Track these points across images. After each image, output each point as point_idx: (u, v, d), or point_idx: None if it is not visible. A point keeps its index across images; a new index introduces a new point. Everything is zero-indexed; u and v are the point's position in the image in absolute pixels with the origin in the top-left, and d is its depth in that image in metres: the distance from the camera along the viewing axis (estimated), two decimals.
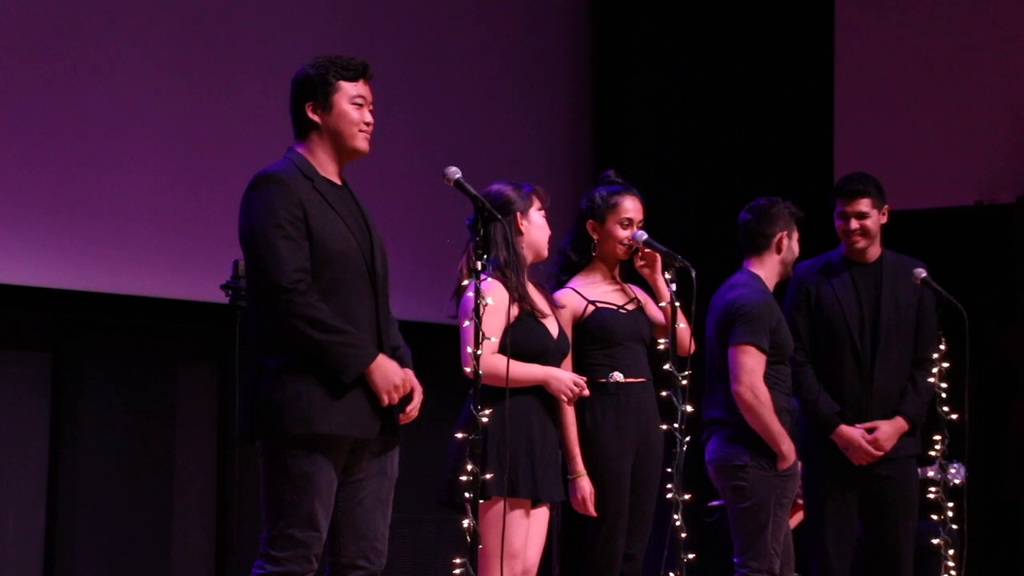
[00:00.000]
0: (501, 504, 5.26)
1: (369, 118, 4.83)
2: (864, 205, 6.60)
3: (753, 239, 6.47)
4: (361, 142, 4.83)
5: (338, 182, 4.85)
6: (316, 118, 4.80)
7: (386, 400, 4.65)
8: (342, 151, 4.83)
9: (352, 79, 4.82)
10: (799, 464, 6.40)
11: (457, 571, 4.77)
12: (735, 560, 6.24)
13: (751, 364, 6.23)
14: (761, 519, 6.20)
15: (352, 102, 4.81)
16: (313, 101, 4.81)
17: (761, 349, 6.24)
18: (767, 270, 6.45)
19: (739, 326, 6.24)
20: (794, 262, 6.53)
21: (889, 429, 6.54)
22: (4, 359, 7.27)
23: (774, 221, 6.45)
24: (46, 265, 7.13)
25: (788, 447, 6.22)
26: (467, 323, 5.11)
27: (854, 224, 6.60)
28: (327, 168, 4.83)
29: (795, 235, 6.50)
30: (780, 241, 6.45)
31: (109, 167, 7.33)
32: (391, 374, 4.67)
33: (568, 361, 5.72)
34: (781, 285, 6.57)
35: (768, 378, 6.27)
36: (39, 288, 7.13)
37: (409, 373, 4.76)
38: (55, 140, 7.17)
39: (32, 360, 7.38)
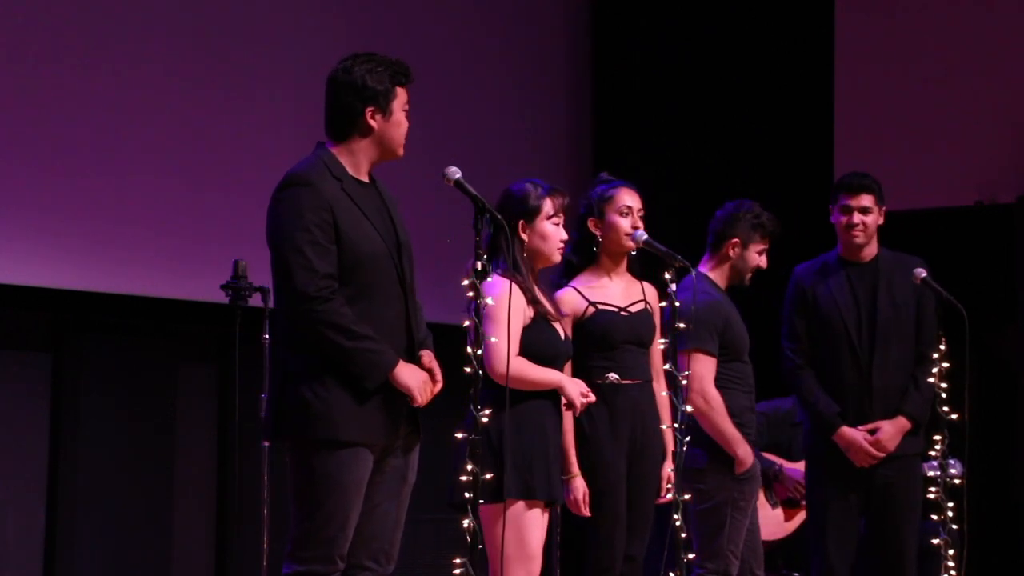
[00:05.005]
0: (519, 505, 5.33)
1: (407, 123, 4.86)
2: (867, 200, 6.61)
3: (712, 237, 6.50)
4: (402, 149, 4.85)
5: (367, 180, 4.85)
6: (374, 124, 4.78)
7: (419, 399, 4.70)
8: (385, 155, 4.84)
9: (406, 85, 4.83)
10: (758, 467, 6.38)
11: (457, 571, 4.77)
12: (693, 560, 6.21)
13: (699, 370, 6.22)
14: (717, 521, 6.20)
15: (404, 109, 4.83)
16: (374, 106, 4.77)
17: (708, 353, 6.23)
18: (717, 271, 6.46)
19: (684, 332, 6.20)
20: (751, 271, 6.49)
21: (891, 429, 6.54)
22: (4, 359, 7.27)
23: (731, 225, 6.46)
24: (46, 265, 7.13)
25: (744, 451, 6.22)
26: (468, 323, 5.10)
27: (856, 218, 6.60)
28: (360, 168, 4.82)
29: (756, 246, 6.47)
30: (730, 247, 6.44)
31: (109, 167, 7.33)
32: (416, 373, 4.72)
33: (568, 365, 5.72)
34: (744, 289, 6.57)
35: (722, 378, 6.27)
36: (39, 288, 7.13)
37: (432, 356, 4.81)
38: (55, 140, 7.17)
39: (32, 360, 7.38)
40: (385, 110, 4.79)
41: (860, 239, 6.62)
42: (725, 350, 6.29)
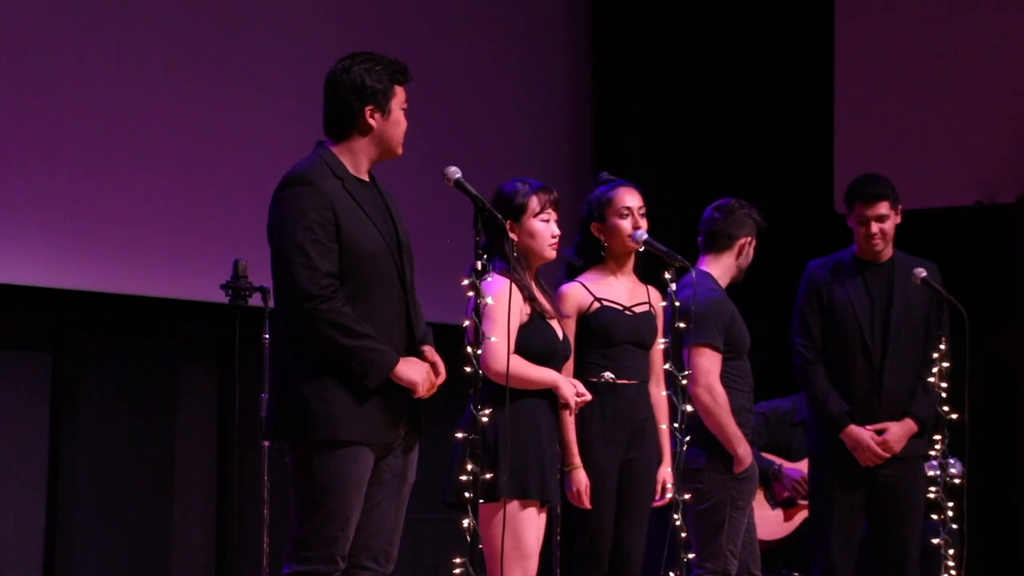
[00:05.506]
0: (514, 505, 5.33)
1: (405, 122, 4.87)
2: (884, 208, 6.60)
3: (715, 238, 6.45)
4: (401, 148, 4.86)
5: (366, 179, 4.85)
6: (374, 123, 4.79)
7: (421, 390, 4.72)
8: (384, 154, 4.85)
9: (404, 83, 4.84)
10: (756, 466, 6.38)
11: (457, 571, 4.77)
12: (693, 560, 6.20)
13: (706, 365, 6.21)
14: (716, 521, 6.19)
15: (402, 107, 4.84)
16: (373, 105, 4.78)
17: (715, 348, 6.23)
18: (721, 270, 6.44)
19: (690, 327, 6.20)
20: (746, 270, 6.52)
21: (899, 431, 6.55)
22: (4, 359, 7.27)
23: (741, 225, 6.44)
24: (46, 265, 7.13)
25: (744, 449, 6.21)
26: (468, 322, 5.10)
27: (874, 228, 6.59)
28: (360, 167, 4.83)
29: (754, 243, 6.49)
30: (743, 246, 6.44)
31: (109, 167, 7.33)
32: (418, 367, 4.73)
33: (569, 364, 5.72)
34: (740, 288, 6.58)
35: (725, 376, 6.26)
36: (39, 288, 7.13)
37: (433, 351, 4.82)
38: (55, 140, 7.17)
39: (32, 360, 7.37)
40: (384, 109, 4.79)
41: (880, 246, 6.63)
42: (728, 347, 6.29)
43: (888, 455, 6.52)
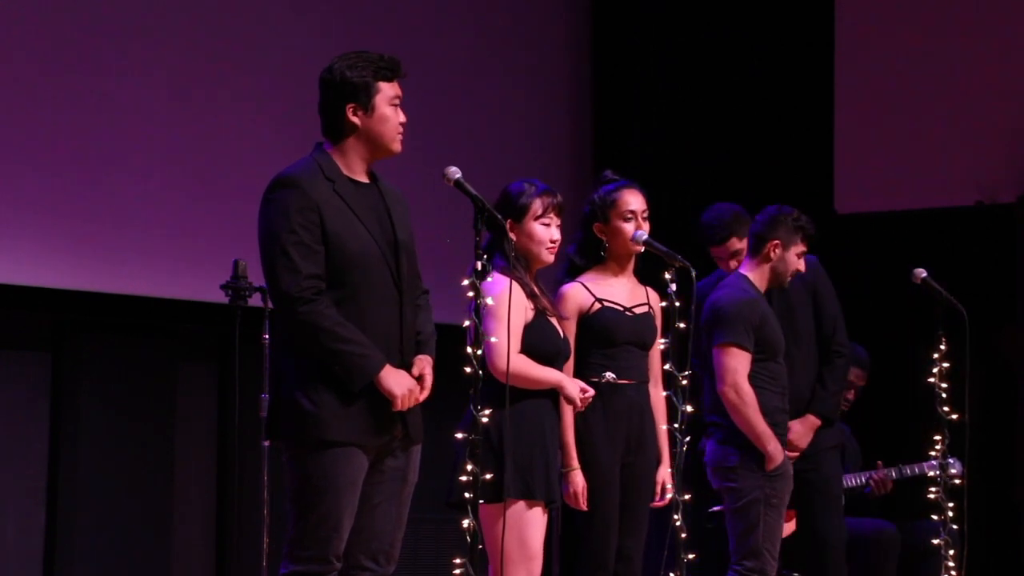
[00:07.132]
0: (520, 505, 5.34)
1: (403, 118, 4.79)
2: (735, 244, 6.84)
3: (753, 241, 6.55)
4: (398, 144, 4.79)
5: (365, 180, 4.81)
6: (357, 120, 4.73)
7: (399, 406, 4.67)
8: (377, 152, 4.79)
9: (390, 79, 4.76)
10: (790, 465, 6.40)
11: (457, 571, 4.77)
12: (731, 558, 6.28)
13: (733, 364, 6.28)
14: (751, 519, 6.23)
15: (391, 103, 4.76)
16: (355, 103, 4.72)
17: (743, 348, 6.28)
18: (758, 274, 6.51)
19: (719, 327, 6.30)
20: (790, 274, 6.53)
21: (800, 428, 6.71)
22: (4, 359, 7.27)
23: (771, 229, 6.50)
24: (46, 265, 7.13)
25: (774, 447, 6.25)
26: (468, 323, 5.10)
27: (732, 264, 6.80)
28: (355, 168, 4.78)
29: (796, 248, 6.50)
30: (771, 249, 6.47)
31: (109, 167, 7.34)
32: (402, 379, 4.68)
33: (569, 364, 5.72)
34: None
35: (756, 376, 6.32)
36: (39, 288, 7.13)
37: (426, 363, 4.76)
38: (55, 140, 7.18)
39: (32, 360, 7.38)
40: (367, 106, 4.73)
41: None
42: (760, 349, 6.34)
43: (795, 454, 6.63)
